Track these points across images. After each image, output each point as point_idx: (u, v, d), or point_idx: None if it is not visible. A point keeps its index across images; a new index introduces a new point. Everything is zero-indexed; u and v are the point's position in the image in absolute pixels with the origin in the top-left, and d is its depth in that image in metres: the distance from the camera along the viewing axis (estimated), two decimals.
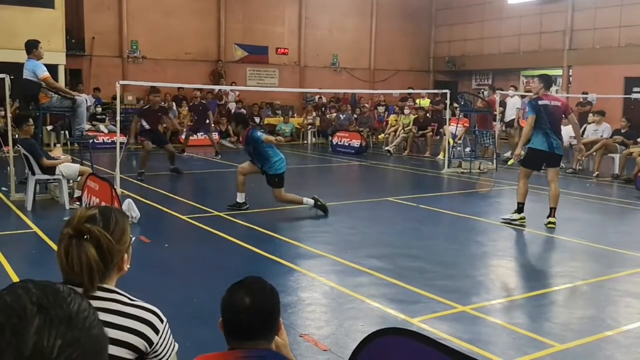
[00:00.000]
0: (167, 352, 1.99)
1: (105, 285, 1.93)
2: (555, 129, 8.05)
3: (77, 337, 0.89)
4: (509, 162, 9.95)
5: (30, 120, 8.78)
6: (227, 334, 2.01)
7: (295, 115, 22.77)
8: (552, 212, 8.06)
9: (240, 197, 8.91)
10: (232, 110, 20.73)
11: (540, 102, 7.98)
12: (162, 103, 13.26)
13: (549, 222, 8.01)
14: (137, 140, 12.35)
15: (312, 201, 8.67)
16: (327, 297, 5.39)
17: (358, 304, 5.13)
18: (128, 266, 2.04)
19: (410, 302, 5.19)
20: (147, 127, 12.21)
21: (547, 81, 8.47)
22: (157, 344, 1.93)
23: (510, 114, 18.19)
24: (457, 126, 15.39)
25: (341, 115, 20.66)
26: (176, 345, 2.05)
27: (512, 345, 4.39)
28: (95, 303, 1.85)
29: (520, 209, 8.18)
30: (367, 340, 2.07)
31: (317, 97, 23.05)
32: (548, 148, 7.99)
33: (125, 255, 2.00)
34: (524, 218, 8.18)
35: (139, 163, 12.31)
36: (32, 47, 9.06)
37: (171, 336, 2.01)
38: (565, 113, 8.32)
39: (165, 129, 18.60)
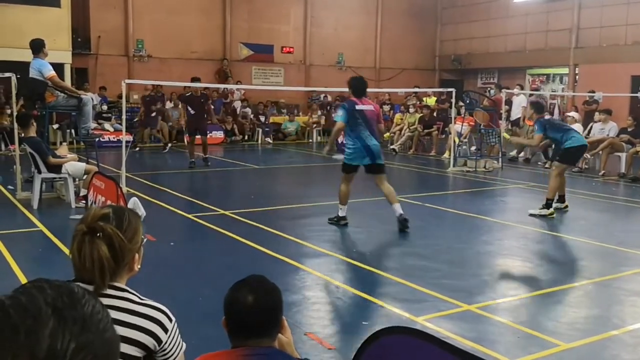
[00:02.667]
0: (175, 352, 2.01)
1: (116, 284, 1.96)
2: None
3: (90, 340, 0.88)
4: (504, 135, 10.72)
5: (32, 120, 8.84)
6: (230, 332, 2.02)
7: (300, 113, 22.77)
8: (561, 198, 9.02)
9: (343, 210, 7.89)
10: (238, 109, 20.76)
11: (545, 119, 9.19)
12: (203, 90, 14.29)
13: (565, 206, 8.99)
14: (188, 126, 13.62)
15: (401, 210, 7.64)
16: (332, 296, 5.39)
17: (363, 302, 5.13)
18: (139, 266, 2.06)
19: (415, 301, 5.18)
20: (192, 112, 13.18)
21: (538, 108, 9.31)
22: (165, 342, 1.95)
23: (516, 113, 18.15)
24: (462, 125, 15.36)
25: None
26: (184, 344, 2.06)
27: (517, 345, 4.38)
28: (106, 301, 1.87)
29: (549, 204, 8.69)
30: (372, 339, 2.07)
31: (322, 95, 23.04)
32: (584, 141, 9.08)
33: (137, 255, 2.03)
34: (553, 213, 8.67)
35: (188, 154, 13.59)
36: (40, 46, 9.09)
37: (179, 336, 2.03)
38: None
39: (171, 128, 18.69)
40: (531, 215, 8.64)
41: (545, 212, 8.61)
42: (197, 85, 13.30)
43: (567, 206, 9.10)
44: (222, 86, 20.05)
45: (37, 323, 0.85)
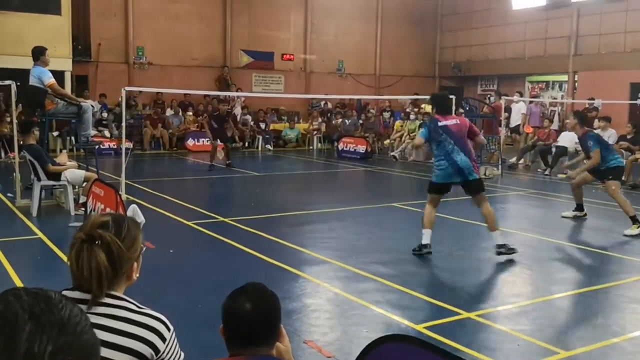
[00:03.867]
0: None
1: (114, 292, 1.94)
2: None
3: (68, 343, 0.91)
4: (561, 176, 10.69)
5: (34, 127, 8.84)
6: (227, 340, 2.02)
7: (300, 120, 22.80)
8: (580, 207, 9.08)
9: (426, 237, 6.95)
10: (238, 117, 20.79)
11: (594, 133, 9.06)
12: (228, 109, 17.10)
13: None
14: (212, 135, 15.36)
15: (500, 240, 6.89)
16: (331, 304, 5.38)
17: (362, 310, 5.11)
18: (137, 275, 2.05)
19: (414, 309, 5.17)
20: (215, 125, 15.15)
21: (582, 118, 9.10)
22: (163, 352, 1.93)
23: (515, 120, 18.17)
24: None
25: (347, 121, 20.68)
26: (182, 354, 2.05)
27: (517, 352, 4.37)
28: (104, 310, 1.86)
29: (635, 219, 8.40)
30: (372, 346, 2.06)
31: (322, 102, 23.08)
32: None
33: (135, 264, 2.01)
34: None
35: (210, 157, 15.01)
36: (39, 53, 9.09)
37: (177, 345, 2.01)
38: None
39: (171, 135, 18.70)
40: (626, 236, 8.22)
41: (637, 230, 8.26)
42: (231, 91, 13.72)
43: (586, 214, 9.27)
44: (222, 93, 20.08)
45: (14, 329, 0.89)
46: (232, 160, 15.22)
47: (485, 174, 13.75)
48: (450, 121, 7.05)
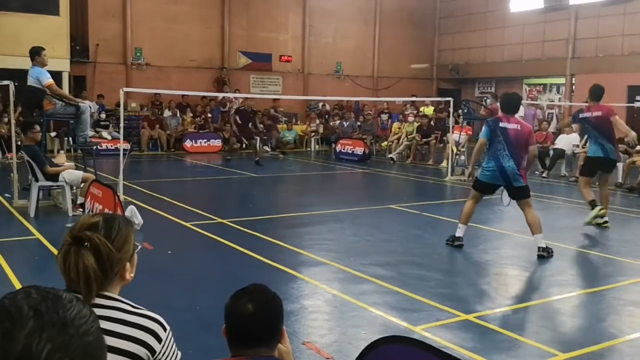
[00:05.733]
0: None
1: (108, 293, 1.91)
2: (604, 136, 8.65)
3: (67, 343, 0.90)
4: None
5: (37, 127, 8.80)
6: (230, 340, 2.02)
7: (298, 122, 22.80)
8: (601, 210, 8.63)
9: (460, 230, 7.30)
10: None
11: (581, 115, 8.74)
12: (254, 108, 17.37)
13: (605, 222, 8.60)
14: (236, 133, 16.48)
15: (542, 243, 7.07)
16: (330, 305, 5.38)
17: (361, 311, 5.12)
18: (132, 275, 2.01)
19: (413, 310, 5.18)
20: (239, 121, 15.87)
21: (596, 93, 8.92)
22: (159, 352, 1.91)
23: None
24: (460, 134, 15.38)
25: (344, 123, 20.69)
26: (179, 353, 2.04)
27: (515, 354, 4.37)
28: (97, 311, 1.84)
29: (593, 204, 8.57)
30: (370, 348, 2.07)
31: (320, 104, 23.09)
32: (603, 154, 8.67)
33: (128, 264, 1.97)
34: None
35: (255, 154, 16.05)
36: (35, 54, 9.08)
37: (174, 345, 2.00)
38: (610, 115, 8.77)
39: (169, 136, 18.69)
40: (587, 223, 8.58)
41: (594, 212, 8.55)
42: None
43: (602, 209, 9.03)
44: (221, 94, 20.09)
45: (15, 325, 0.89)
46: (259, 158, 15.80)
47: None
48: (512, 125, 7.00)
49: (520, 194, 7.05)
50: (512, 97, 7.41)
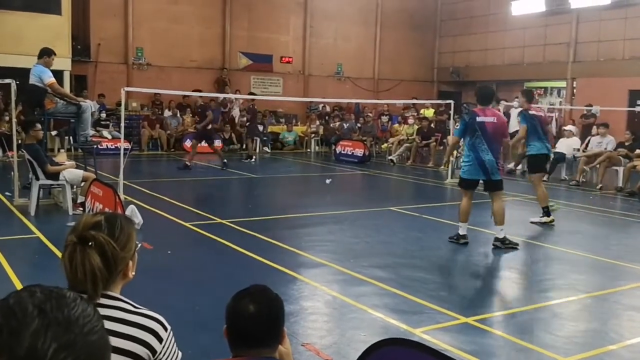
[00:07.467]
0: None
1: (110, 293, 1.91)
2: (546, 135, 9.02)
3: (73, 342, 0.90)
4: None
5: (38, 125, 8.80)
6: (231, 341, 2.02)
7: (298, 123, 22.81)
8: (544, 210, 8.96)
9: (463, 228, 7.57)
10: (236, 118, 20.78)
11: (530, 112, 8.82)
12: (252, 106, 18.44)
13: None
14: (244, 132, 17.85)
15: (502, 234, 7.45)
16: (329, 307, 5.37)
17: (360, 313, 5.11)
18: (133, 273, 2.02)
19: (412, 313, 5.17)
20: (249, 121, 17.32)
21: (528, 95, 9.23)
22: (160, 352, 1.91)
23: (514, 125, 18.17)
24: None
25: (345, 124, 20.69)
26: (180, 353, 2.04)
27: (514, 358, 4.37)
28: (99, 311, 1.84)
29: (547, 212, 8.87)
30: (369, 350, 2.06)
31: (320, 105, 23.09)
32: (548, 151, 8.92)
33: (130, 263, 1.98)
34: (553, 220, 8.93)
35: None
36: (45, 54, 9.12)
37: (175, 344, 2.00)
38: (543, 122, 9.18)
39: (169, 136, 18.68)
40: (532, 222, 8.94)
41: (546, 219, 8.93)
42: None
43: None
44: (221, 95, 20.07)
45: (21, 323, 0.89)
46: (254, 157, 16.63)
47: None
48: (489, 118, 7.25)
49: (496, 187, 7.44)
50: (486, 89, 7.78)
